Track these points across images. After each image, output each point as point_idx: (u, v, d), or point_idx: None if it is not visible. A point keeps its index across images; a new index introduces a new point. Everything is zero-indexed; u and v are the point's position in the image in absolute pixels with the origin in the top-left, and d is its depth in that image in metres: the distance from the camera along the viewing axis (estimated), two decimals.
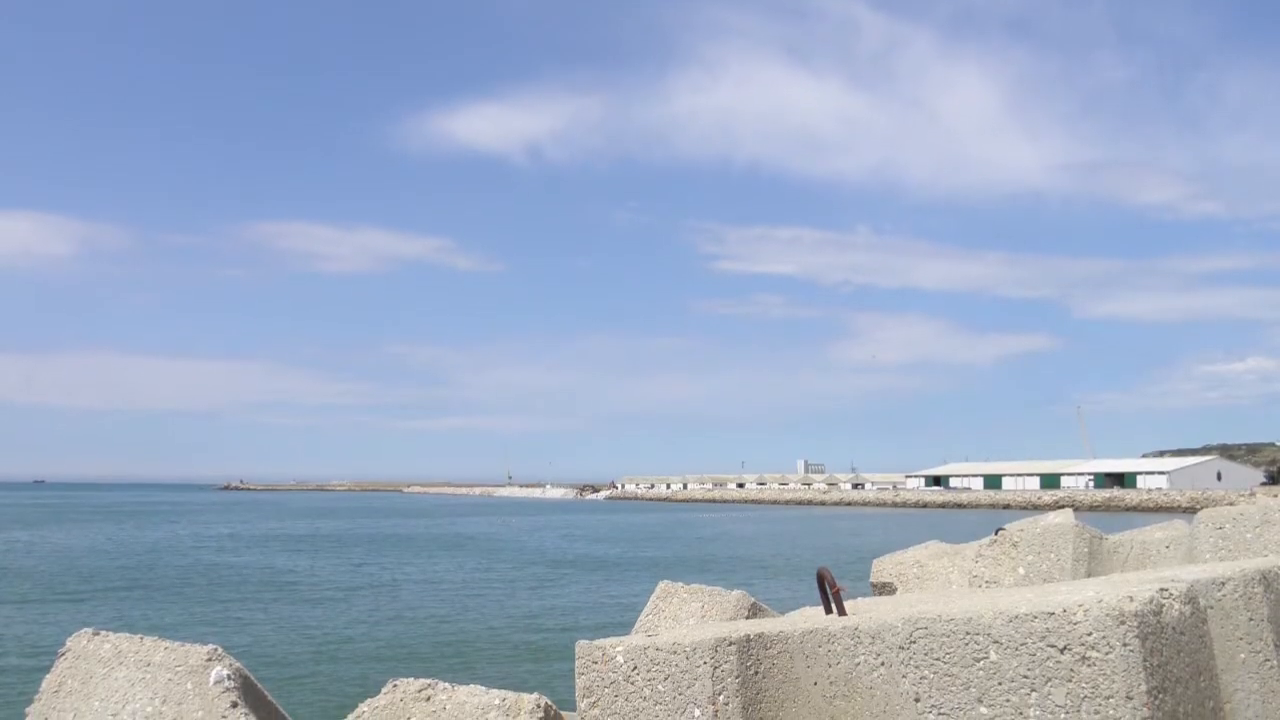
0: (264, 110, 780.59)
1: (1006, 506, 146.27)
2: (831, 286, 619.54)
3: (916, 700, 4.00)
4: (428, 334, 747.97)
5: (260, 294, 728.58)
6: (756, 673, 4.43)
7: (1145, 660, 3.63)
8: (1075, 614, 3.70)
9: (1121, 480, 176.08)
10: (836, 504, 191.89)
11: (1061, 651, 3.71)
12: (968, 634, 3.89)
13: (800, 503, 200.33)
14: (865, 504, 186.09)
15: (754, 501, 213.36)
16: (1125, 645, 3.62)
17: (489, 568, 59.06)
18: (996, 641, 3.82)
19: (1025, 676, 3.76)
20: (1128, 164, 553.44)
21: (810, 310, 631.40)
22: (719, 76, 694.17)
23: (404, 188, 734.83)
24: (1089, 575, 7.19)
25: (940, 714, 3.93)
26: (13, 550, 71.35)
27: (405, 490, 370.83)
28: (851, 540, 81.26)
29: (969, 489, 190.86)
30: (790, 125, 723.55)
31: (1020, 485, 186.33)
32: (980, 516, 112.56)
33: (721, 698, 4.37)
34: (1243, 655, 4.34)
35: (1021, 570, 7.48)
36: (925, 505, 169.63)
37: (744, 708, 4.37)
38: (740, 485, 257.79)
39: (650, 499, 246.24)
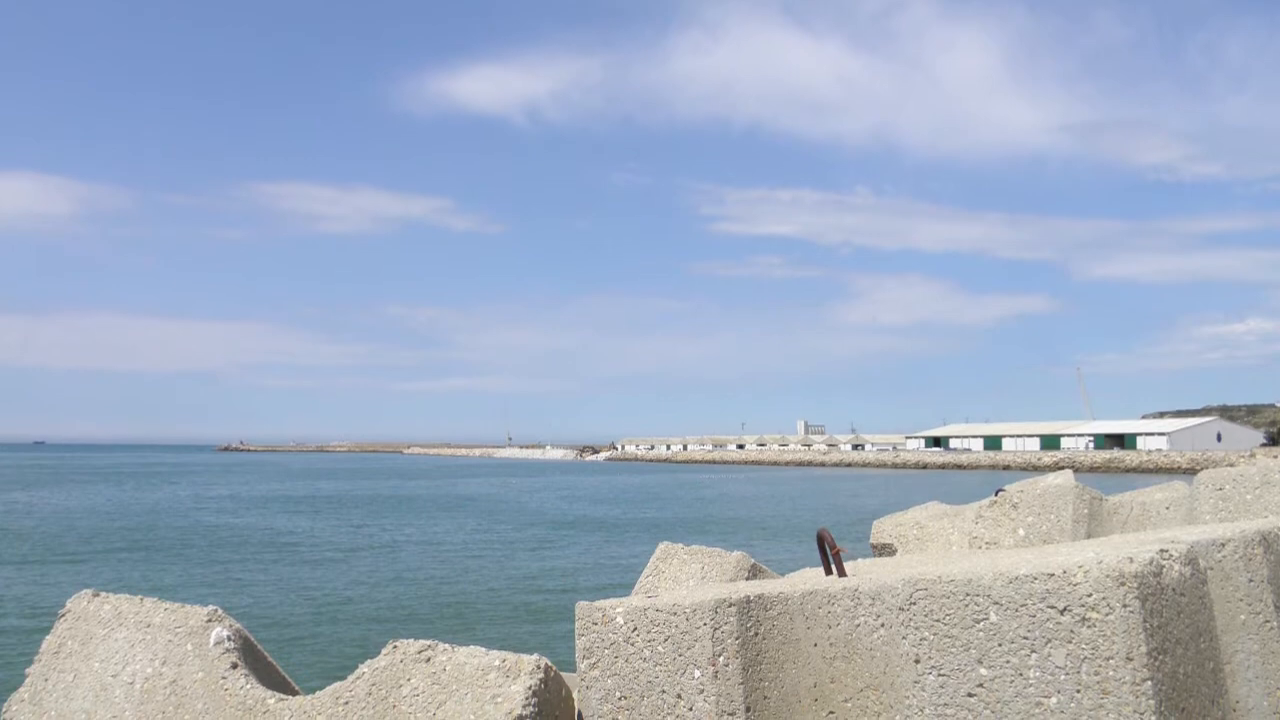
0: (264, 71, 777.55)
1: (1006, 468, 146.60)
2: (831, 247, 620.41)
3: (916, 661, 4.00)
4: (427, 295, 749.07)
5: (260, 254, 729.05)
6: (756, 634, 4.43)
7: (1145, 621, 3.62)
8: (1075, 575, 3.69)
9: (1121, 441, 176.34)
10: (836, 465, 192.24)
11: (1061, 613, 3.70)
12: (968, 595, 3.88)
13: (800, 464, 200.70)
14: (865, 465, 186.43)
15: (754, 463, 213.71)
16: (1125, 606, 3.61)
17: (489, 529, 59.22)
18: (996, 603, 3.82)
19: (1025, 638, 3.75)
20: (1127, 125, 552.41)
21: (810, 271, 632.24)
22: (719, 38, 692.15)
23: (403, 148, 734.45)
24: (1089, 536, 7.19)
25: (940, 675, 3.93)
26: (12, 511, 71.52)
27: (405, 451, 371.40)
28: (851, 501, 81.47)
29: (969, 450, 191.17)
30: (790, 87, 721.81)
31: (1020, 446, 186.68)
32: (980, 477, 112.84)
33: (721, 659, 4.38)
34: (1243, 616, 4.34)
35: (1021, 531, 7.48)
36: (925, 466, 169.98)
37: (744, 669, 4.37)
38: (740, 446, 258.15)
39: (650, 460, 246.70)
